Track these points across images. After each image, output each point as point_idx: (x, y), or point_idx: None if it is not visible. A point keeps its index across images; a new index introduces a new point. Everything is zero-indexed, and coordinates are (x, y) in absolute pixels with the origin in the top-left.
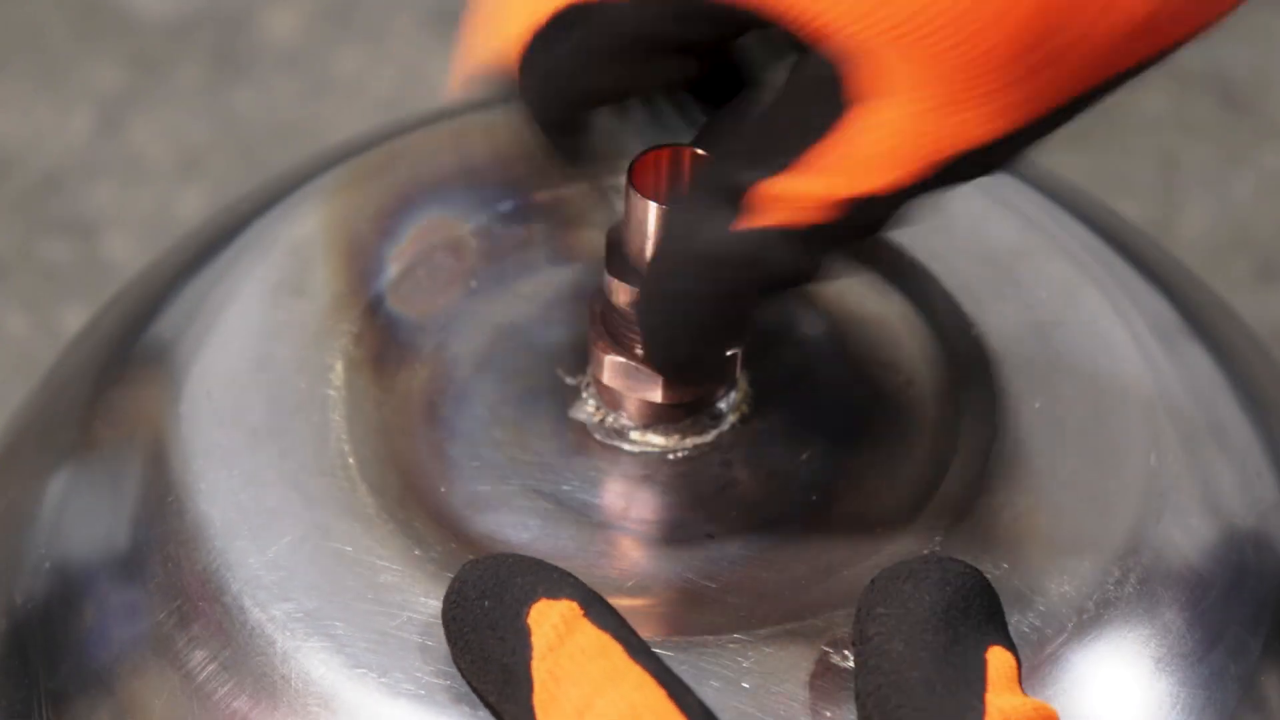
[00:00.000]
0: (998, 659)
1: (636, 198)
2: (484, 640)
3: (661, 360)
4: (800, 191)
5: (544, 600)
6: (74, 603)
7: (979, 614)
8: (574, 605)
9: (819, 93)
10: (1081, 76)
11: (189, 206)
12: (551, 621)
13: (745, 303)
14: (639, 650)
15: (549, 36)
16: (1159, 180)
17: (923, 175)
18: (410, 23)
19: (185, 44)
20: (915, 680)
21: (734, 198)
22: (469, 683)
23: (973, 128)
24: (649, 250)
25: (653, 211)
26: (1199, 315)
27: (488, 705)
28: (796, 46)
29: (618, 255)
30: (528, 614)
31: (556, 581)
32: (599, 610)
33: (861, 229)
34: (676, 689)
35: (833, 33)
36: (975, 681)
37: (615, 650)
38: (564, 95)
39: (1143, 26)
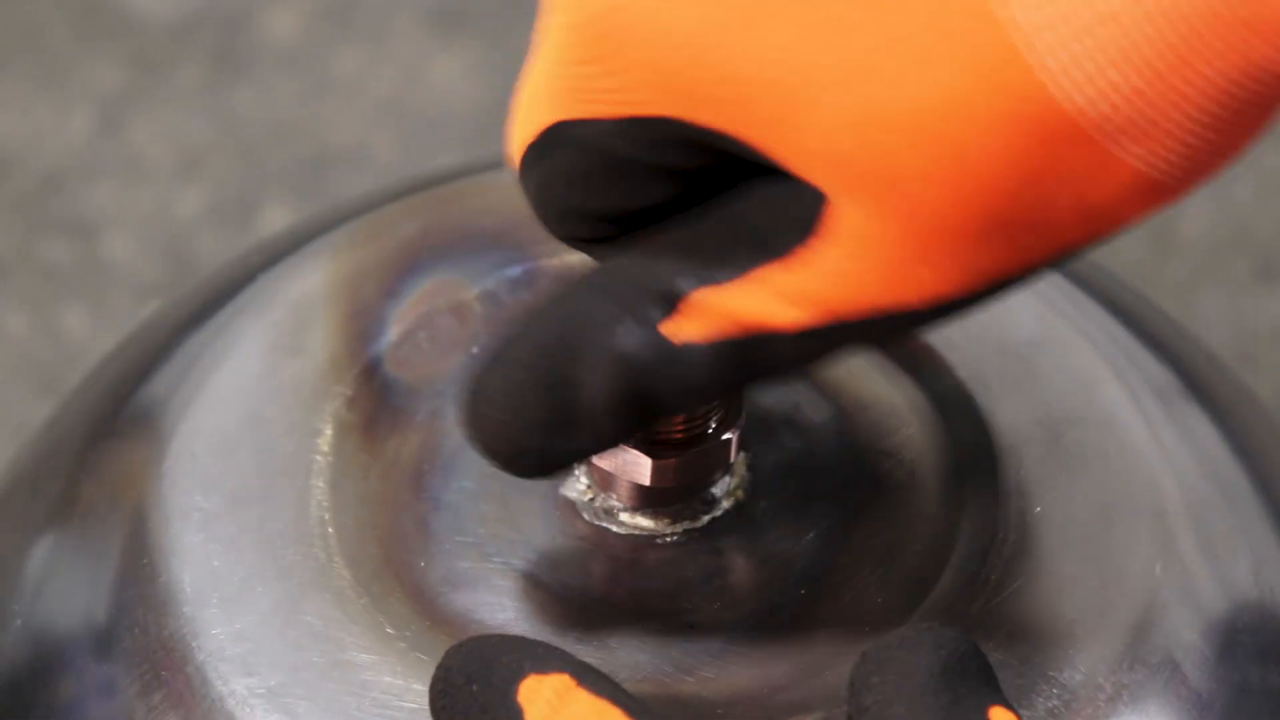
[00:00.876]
0: (1001, 718)
1: None
2: None
3: (493, 445)
4: (740, 308)
5: (533, 676)
6: (42, 661)
7: (976, 677)
8: (565, 678)
9: (784, 216)
10: (1045, 249)
11: (189, 206)
12: (545, 696)
13: (630, 405)
14: (640, 713)
15: (540, 150)
16: None
17: (870, 315)
18: (410, 23)
19: (185, 44)
20: None
21: (663, 299)
22: None
23: (926, 285)
24: None
25: None
26: (1229, 412)
27: None
28: (768, 172)
29: None
30: (517, 692)
31: (543, 656)
32: (593, 679)
33: (789, 357)
34: None
35: (811, 172)
36: None
37: (615, 714)
38: (555, 208)
39: (1109, 212)
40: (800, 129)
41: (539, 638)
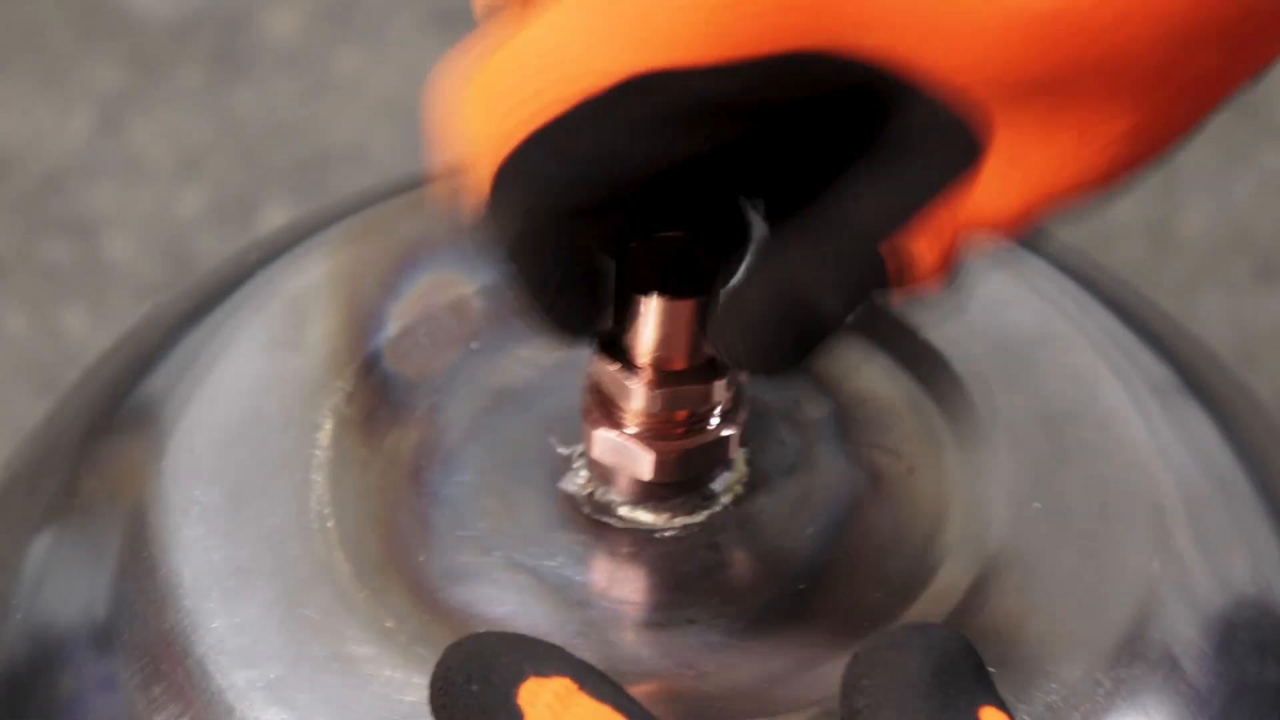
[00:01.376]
0: (992, 718)
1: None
2: None
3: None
4: (942, 242)
5: (533, 679)
6: (43, 654)
7: (967, 676)
8: (566, 681)
9: (943, 143)
10: (1192, 109)
11: (189, 206)
12: (545, 700)
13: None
14: (641, 717)
15: (603, 108)
16: (1159, 180)
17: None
18: (410, 23)
19: (185, 44)
20: None
21: (871, 255)
22: None
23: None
24: (650, 342)
25: (646, 306)
26: (1227, 409)
27: None
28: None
29: (612, 344)
30: (518, 695)
31: (543, 657)
32: (594, 682)
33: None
34: None
35: (956, 85)
36: None
37: None
38: (602, 176)
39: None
40: (952, 40)
41: (538, 632)
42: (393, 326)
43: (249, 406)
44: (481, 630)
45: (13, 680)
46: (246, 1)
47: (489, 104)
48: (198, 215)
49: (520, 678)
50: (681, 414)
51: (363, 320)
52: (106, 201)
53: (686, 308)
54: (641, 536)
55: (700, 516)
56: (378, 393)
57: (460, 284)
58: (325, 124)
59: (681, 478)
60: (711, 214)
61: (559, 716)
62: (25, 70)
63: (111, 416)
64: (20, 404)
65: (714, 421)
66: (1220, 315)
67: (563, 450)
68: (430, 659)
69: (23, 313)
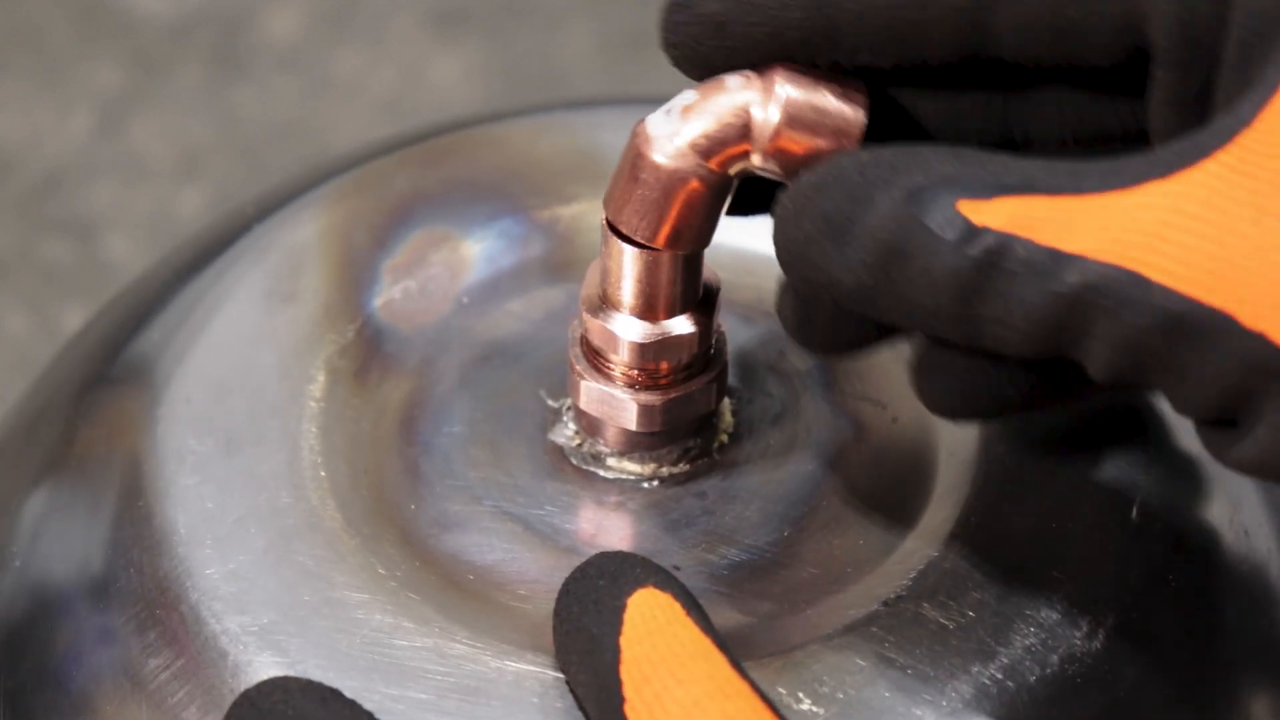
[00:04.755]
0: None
1: (614, 241)
2: (584, 610)
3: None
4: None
5: (651, 588)
6: (40, 601)
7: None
8: (676, 604)
9: None
10: None
11: (189, 206)
12: (651, 608)
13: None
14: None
15: None
16: None
17: None
18: (410, 23)
19: (185, 44)
20: None
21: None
22: (556, 653)
23: None
24: (630, 289)
25: (629, 255)
26: None
27: (567, 675)
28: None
29: (596, 293)
30: (631, 595)
31: (668, 580)
32: (700, 616)
33: None
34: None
35: None
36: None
37: (717, 657)
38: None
39: None
40: None
41: (525, 578)
42: (386, 280)
43: (244, 358)
44: (470, 575)
45: (11, 624)
46: (246, 1)
47: None
48: (197, 215)
49: (640, 584)
50: (667, 365)
51: (356, 274)
52: (106, 201)
53: (670, 259)
54: (629, 486)
55: (686, 466)
56: (370, 345)
57: (452, 239)
58: (325, 124)
59: (668, 428)
60: None
61: (658, 625)
62: (25, 70)
63: (108, 368)
64: None
65: (699, 373)
66: None
67: (552, 402)
68: (420, 605)
69: (23, 313)
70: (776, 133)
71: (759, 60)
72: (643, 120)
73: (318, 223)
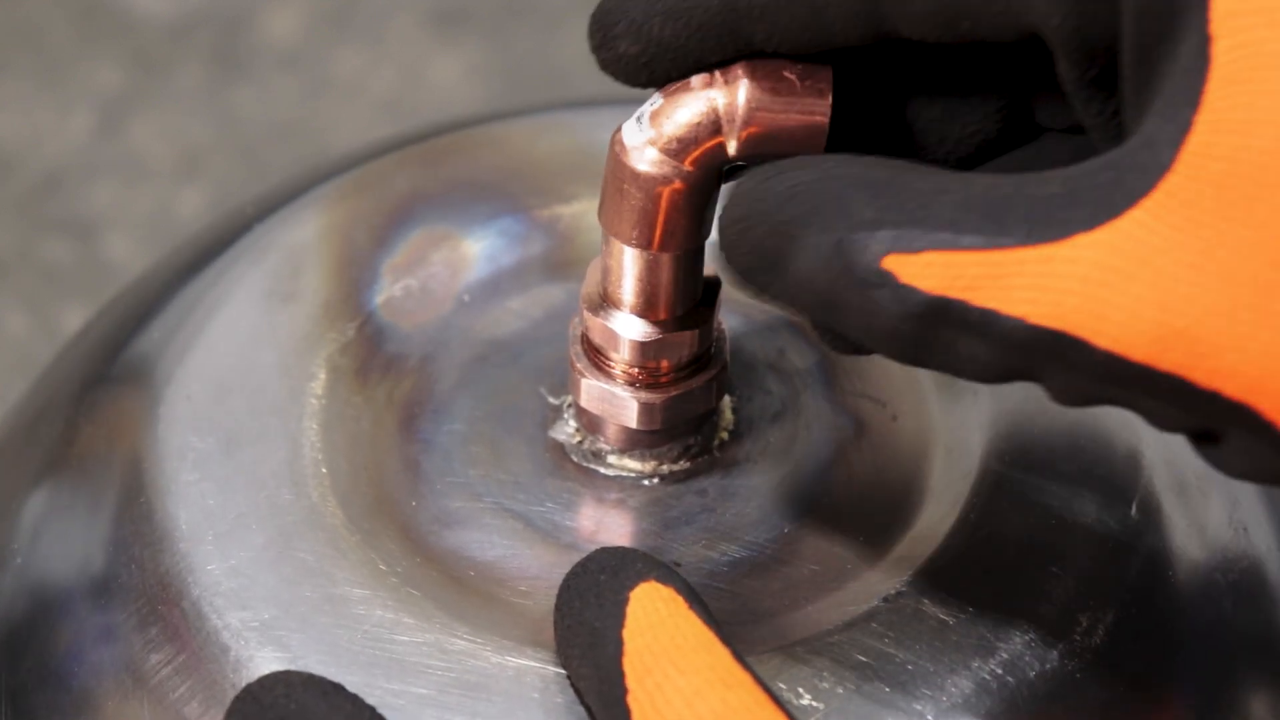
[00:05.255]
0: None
1: (615, 241)
2: (585, 604)
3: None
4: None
5: (653, 581)
6: (41, 599)
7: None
8: (679, 597)
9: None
10: None
11: (189, 206)
12: (654, 600)
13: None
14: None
15: None
16: None
17: None
18: (410, 23)
19: (185, 44)
20: None
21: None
22: (558, 648)
23: None
24: (630, 288)
25: (629, 255)
26: None
27: (568, 669)
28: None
29: (597, 291)
30: (633, 589)
31: (670, 574)
32: (702, 609)
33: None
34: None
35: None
36: None
37: (719, 649)
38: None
39: None
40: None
41: (526, 575)
42: (387, 279)
43: (244, 357)
44: (471, 572)
45: (12, 620)
46: (246, 1)
47: None
48: (197, 215)
49: (642, 578)
50: (667, 363)
51: (357, 273)
52: (106, 201)
53: (670, 259)
54: (629, 483)
55: (686, 464)
56: (371, 344)
57: (453, 238)
58: (325, 124)
59: (668, 426)
60: None
61: (660, 618)
62: (25, 70)
63: (109, 367)
64: None
65: (700, 371)
66: None
67: (552, 400)
68: (421, 601)
69: (23, 313)
70: (745, 122)
71: (695, 65)
72: (618, 129)
73: (318, 222)
